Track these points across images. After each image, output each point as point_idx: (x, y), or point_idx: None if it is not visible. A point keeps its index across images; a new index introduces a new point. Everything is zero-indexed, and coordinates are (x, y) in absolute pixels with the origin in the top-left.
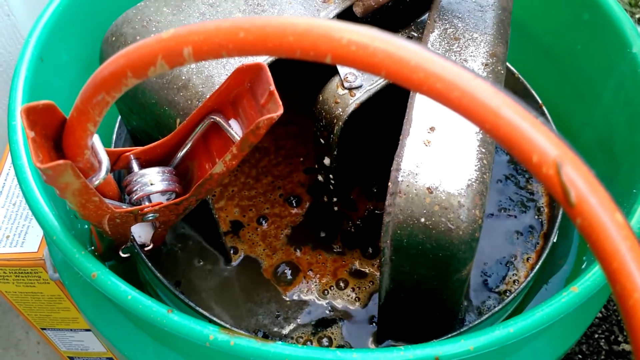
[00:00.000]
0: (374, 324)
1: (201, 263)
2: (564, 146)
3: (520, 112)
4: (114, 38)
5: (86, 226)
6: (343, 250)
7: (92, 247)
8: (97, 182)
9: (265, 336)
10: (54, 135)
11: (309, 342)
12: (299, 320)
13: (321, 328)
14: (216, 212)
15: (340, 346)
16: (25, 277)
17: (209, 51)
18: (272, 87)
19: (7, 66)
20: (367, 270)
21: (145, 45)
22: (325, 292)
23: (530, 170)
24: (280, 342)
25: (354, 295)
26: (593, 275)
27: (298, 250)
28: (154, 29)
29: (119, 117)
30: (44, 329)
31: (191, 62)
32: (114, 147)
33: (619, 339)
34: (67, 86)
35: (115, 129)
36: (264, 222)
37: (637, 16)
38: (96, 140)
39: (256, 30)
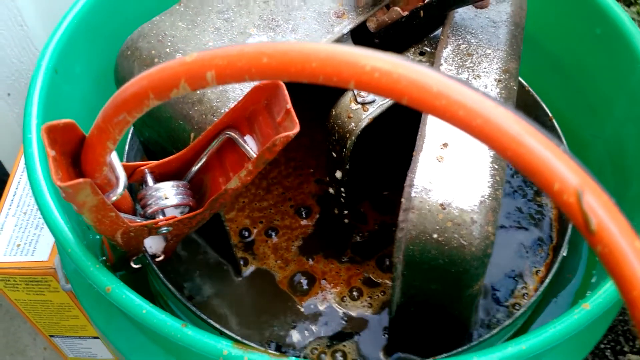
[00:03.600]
0: (386, 335)
1: (212, 274)
2: (585, 175)
3: (542, 141)
4: (129, 52)
5: (97, 236)
6: (355, 258)
7: (104, 258)
8: (114, 198)
9: (279, 348)
10: (72, 152)
11: (323, 355)
12: (314, 331)
13: (336, 341)
14: (227, 224)
15: None
16: (35, 286)
17: (232, 75)
18: (289, 105)
19: (19, 76)
20: (380, 281)
21: (168, 68)
22: (341, 300)
23: (551, 197)
24: (293, 358)
25: (366, 303)
26: (604, 292)
27: (311, 260)
28: (169, 44)
29: (132, 128)
30: (52, 336)
31: (214, 86)
32: (127, 158)
33: (625, 349)
34: (79, 97)
35: (128, 140)
36: (274, 234)
37: None
38: (114, 156)
39: (279, 55)
